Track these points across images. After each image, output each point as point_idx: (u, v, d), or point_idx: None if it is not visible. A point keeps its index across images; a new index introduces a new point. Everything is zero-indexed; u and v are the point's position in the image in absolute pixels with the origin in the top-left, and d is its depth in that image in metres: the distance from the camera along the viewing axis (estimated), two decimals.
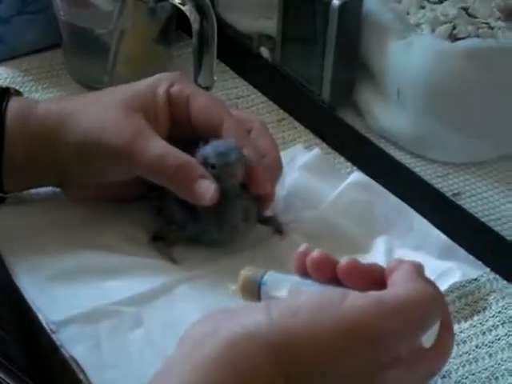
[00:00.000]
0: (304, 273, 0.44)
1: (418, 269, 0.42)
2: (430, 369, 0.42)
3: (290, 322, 0.39)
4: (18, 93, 0.61)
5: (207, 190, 0.53)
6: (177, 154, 0.55)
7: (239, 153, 0.54)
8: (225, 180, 0.54)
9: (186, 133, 0.58)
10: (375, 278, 0.43)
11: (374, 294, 0.40)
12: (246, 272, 0.45)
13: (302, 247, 0.44)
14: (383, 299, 0.39)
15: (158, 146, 0.55)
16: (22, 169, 0.57)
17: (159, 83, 0.58)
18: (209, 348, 0.38)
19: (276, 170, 0.58)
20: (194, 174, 0.54)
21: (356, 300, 0.39)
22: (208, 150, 0.55)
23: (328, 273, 0.43)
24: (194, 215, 0.56)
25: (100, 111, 0.56)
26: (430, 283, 0.42)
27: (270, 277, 0.44)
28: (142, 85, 0.58)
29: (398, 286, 0.41)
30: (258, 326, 0.38)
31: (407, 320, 0.39)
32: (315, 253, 0.43)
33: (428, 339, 0.41)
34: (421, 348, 0.41)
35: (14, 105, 0.57)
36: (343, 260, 0.43)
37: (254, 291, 0.44)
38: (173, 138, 0.57)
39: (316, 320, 0.39)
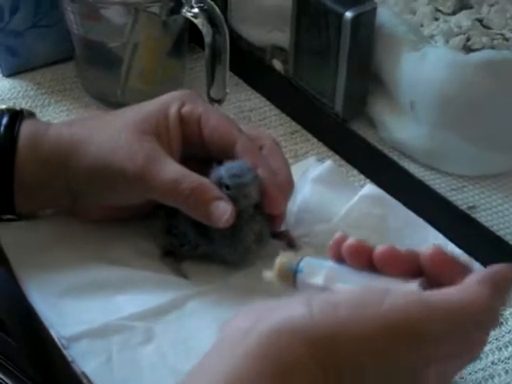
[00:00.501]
0: (339, 260, 0.43)
1: (493, 275, 0.41)
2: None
3: (330, 317, 0.38)
4: (31, 114, 0.60)
5: (224, 211, 0.53)
6: (191, 177, 0.54)
7: (253, 174, 0.54)
8: (239, 201, 0.54)
9: (199, 152, 0.58)
10: (412, 266, 0.42)
11: (416, 294, 0.40)
12: (281, 259, 0.44)
13: (338, 234, 0.44)
14: (430, 300, 0.39)
15: (171, 170, 0.54)
16: (33, 192, 0.57)
17: (170, 103, 0.57)
18: (250, 339, 0.38)
19: (288, 188, 0.57)
20: (209, 196, 0.53)
21: (397, 299, 0.39)
22: (222, 170, 0.54)
23: (364, 260, 0.43)
24: (207, 236, 0.55)
25: (111, 135, 0.56)
26: (497, 289, 0.40)
27: (306, 263, 0.43)
28: (153, 105, 0.58)
29: (459, 289, 0.40)
30: (298, 318, 0.38)
31: (455, 325, 0.39)
32: (351, 239, 0.43)
33: None
34: None
35: (26, 127, 0.57)
36: (380, 247, 0.42)
37: (289, 278, 0.43)
38: (185, 158, 0.56)
39: (356, 317, 0.38)
